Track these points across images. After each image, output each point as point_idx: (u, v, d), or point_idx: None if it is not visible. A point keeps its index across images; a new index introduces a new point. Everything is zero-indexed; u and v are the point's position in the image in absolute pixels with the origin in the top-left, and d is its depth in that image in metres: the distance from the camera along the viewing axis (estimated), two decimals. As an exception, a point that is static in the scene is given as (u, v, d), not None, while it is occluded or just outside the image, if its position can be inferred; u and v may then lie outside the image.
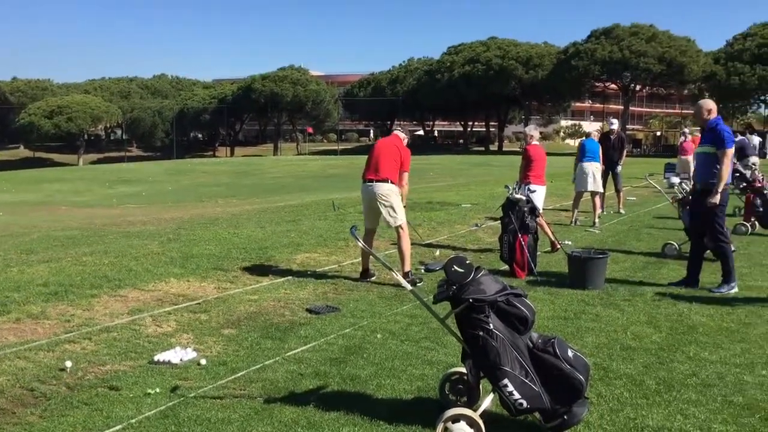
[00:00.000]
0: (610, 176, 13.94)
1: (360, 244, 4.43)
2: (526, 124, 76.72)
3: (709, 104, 7.32)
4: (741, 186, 11.58)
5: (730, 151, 6.93)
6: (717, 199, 6.97)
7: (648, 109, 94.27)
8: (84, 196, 29.18)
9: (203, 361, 4.84)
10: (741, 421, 3.87)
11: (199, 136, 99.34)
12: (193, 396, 4.23)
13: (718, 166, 6.96)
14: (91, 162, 75.45)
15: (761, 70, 56.03)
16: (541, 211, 9.51)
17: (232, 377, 4.55)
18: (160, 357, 4.90)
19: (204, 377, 4.57)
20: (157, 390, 4.32)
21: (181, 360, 4.86)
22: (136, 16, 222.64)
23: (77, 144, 79.23)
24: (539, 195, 9.40)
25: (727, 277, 7.20)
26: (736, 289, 7.12)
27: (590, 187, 12.20)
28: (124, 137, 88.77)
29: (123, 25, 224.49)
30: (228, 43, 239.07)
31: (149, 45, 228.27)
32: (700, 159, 7.36)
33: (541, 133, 11.75)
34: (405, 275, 7.32)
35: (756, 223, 11.38)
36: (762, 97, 62.11)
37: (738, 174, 13.55)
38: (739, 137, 26.09)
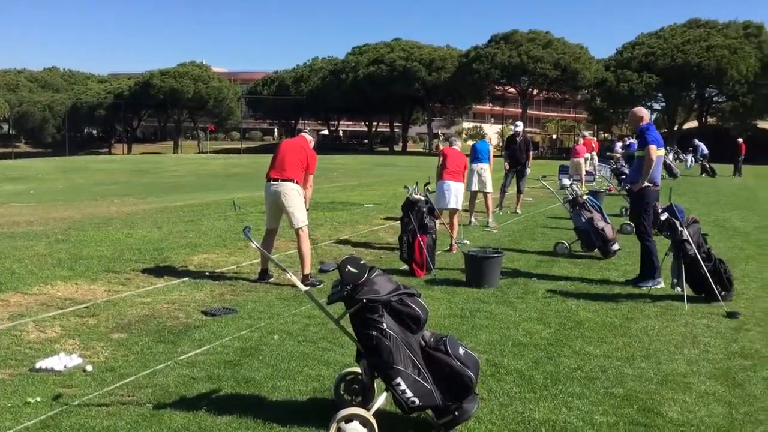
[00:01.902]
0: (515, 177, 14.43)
1: (253, 245, 4.35)
2: (429, 126, 78.35)
3: (642, 112, 7.83)
4: (627, 187, 12.18)
5: (652, 147, 7.32)
6: (635, 188, 7.50)
7: (545, 113, 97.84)
8: (-35, 194, 27.39)
9: (89, 368, 4.64)
10: (620, 412, 4.07)
11: (94, 132, 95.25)
12: (77, 404, 4.05)
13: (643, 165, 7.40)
14: (-26, 158, 70.94)
15: (648, 78, 59.30)
16: (459, 208, 9.99)
17: (120, 383, 4.38)
18: (42, 364, 4.66)
19: (89, 384, 4.38)
20: (38, 399, 4.11)
21: (65, 367, 4.63)
22: (24, 4, 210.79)
23: (-42, 139, 74.43)
24: (459, 191, 10.07)
25: (652, 273, 7.56)
26: (662, 284, 7.48)
27: (475, 188, 12.46)
28: (11, 132, 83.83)
29: (10, 14, 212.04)
30: (124, 36, 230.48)
31: (39, 36, 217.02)
32: (635, 162, 7.87)
33: (443, 133, 12.11)
34: (305, 277, 7.29)
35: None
36: (648, 103, 65.62)
37: (624, 176, 14.32)
38: (630, 141, 27.52)
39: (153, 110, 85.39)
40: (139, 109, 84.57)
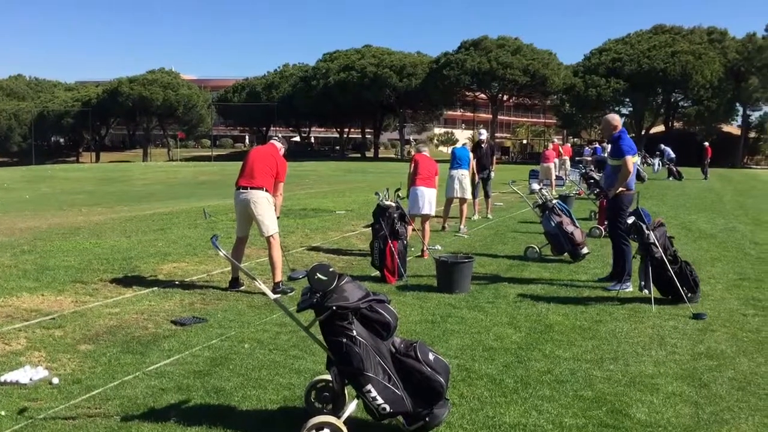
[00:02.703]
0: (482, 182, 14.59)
1: (221, 254, 4.31)
2: (401, 132, 78.52)
3: (615, 120, 7.90)
4: (595, 191, 12.33)
5: (629, 158, 7.46)
6: (610, 194, 7.68)
7: (515, 118, 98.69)
8: (-73, 204, 26.78)
9: (55, 380, 4.55)
10: (589, 414, 4.11)
11: (61, 140, 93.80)
12: (43, 417, 3.97)
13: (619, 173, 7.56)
14: (-63, 168, 69.38)
15: (615, 83, 60.19)
16: (432, 213, 10.03)
17: (87, 396, 4.31)
18: (6, 377, 4.56)
19: (56, 397, 4.30)
20: (3, 413, 4.03)
21: (30, 380, 4.55)
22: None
23: None
24: (433, 197, 10.12)
25: (622, 276, 7.65)
26: (630, 288, 7.57)
27: (457, 194, 12.58)
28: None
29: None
30: (92, 43, 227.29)
31: (4, 43, 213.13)
32: (609, 169, 7.99)
33: (415, 140, 12.19)
34: (275, 285, 7.25)
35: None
36: (616, 108, 66.52)
37: (593, 181, 14.48)
38: (596, 146, 27.85)
39: (121, 118, 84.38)
40: (107, 117, 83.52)
